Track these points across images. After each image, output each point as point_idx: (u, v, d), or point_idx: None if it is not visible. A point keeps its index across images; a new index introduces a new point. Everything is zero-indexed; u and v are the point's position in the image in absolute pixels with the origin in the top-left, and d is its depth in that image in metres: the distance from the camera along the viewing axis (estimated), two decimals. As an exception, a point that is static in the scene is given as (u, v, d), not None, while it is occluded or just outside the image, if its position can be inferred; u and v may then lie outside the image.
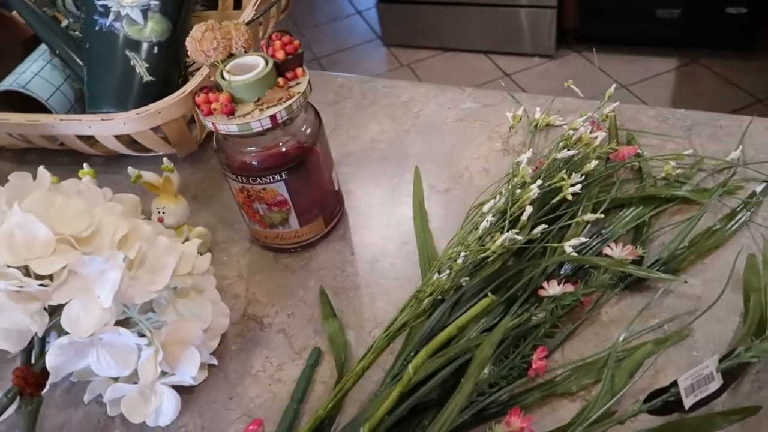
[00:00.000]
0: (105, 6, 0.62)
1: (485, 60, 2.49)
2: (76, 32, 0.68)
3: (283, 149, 0.50)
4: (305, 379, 0.46)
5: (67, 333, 0.39)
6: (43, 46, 0.72)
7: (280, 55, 0.48)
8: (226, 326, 0.48)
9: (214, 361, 0.48)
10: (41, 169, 0.44)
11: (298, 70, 0.49)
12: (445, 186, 0.60)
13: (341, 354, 0.47)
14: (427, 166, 0.62)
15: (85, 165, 0.55)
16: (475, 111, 0.69)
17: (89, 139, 0.66)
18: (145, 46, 0.63)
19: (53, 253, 0.38)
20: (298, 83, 0.49)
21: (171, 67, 0.65)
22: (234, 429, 0.45)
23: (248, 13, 0.71)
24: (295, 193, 0.51)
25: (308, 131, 0.51)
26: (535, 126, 0.64)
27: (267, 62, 0.48)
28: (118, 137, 0.64)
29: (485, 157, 0.63)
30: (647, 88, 2.13)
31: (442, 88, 0.73)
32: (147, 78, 0.63)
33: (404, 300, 0.50)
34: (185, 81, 0.69)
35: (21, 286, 0.36)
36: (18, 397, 0.41)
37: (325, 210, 0.56)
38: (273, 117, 0.46)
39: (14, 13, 0.80)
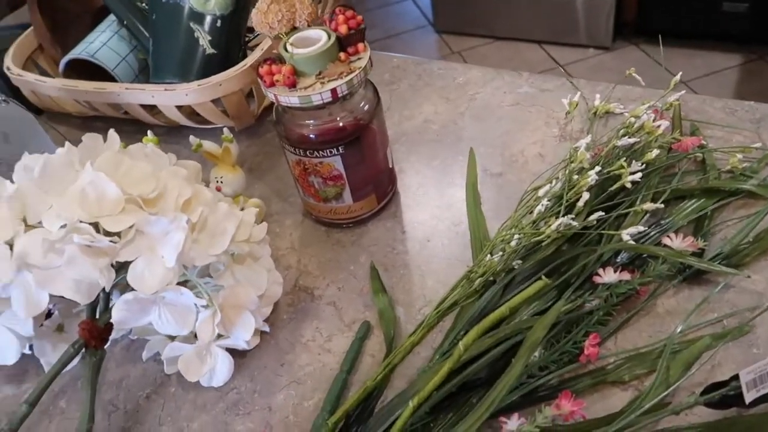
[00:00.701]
0: (172, -21, 0.63)
1: (538, 50, 2.44)
2: (143, 4, 0.70)
3: (341, 124, 0.50)
4: (354, 351, 0.47)
5: (131, 290, 0.41)
6: (110, 18, 0.75)
7: (343, 29, 0.48)
8: (279, 294, 0.49)
9: (266, 328, 0.49)
10: (111, 131, 0.46)
11: (360, 46, 0.49)
12: (499, 169, 0.60)
13: (390, 329, 0.48)
14: (481, 149, 0.62)
15: (149, 132, 0.56)
16: (532, 96, 0.67)
17: (152, 109, 0.68)
18: (208, 18, 0.64)
19: (122, 212, 0.40)
20: (359, 58, 0.49)
21: (232, 40, 0.66)
22: (283, 394, 0.46)
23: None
24: (350, 169, 0.52)
25: (366, 107, 0.51)
26: (594, 113, 0.62)
27: (329, 36, 0.48)
28: (179, 108, 0.65)
29: (541, 142, 0.62)
30: (709, 84, 2.05)
31: (498, 71, 0.72)
32: (209, 50, 0.64)
33: (454, 280, 0.51)
34: (244, 55, 0.70)
35: (92, 241, 0.37)
36: (83, 349, 0.43)
37: (379, 187, 0.56)
38: (333, 91, 0.47)
39: (84, -15, 0.83)
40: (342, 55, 0.49)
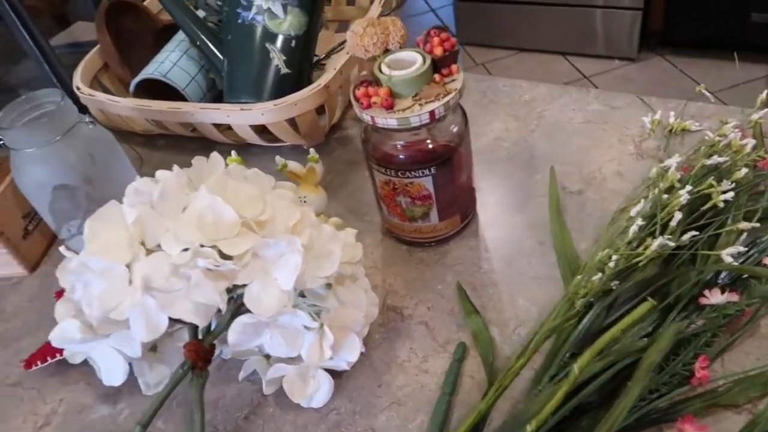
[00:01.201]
0: (248, 0, 0.64)
1: (562, 61, 2.45)
2: (214, 25, 0.71)
3: (431, 145, 0.50)
4: (454, 373, 0.46)
5: (243, 312, 0.41)
6: (177, 38, 0.76)
7: (438, 51, 0.49)
8: (376, 315, 0.49)
9: (363, 349, 0.49)
10: (215, 154, 0.46)
11: (453, 67, 0.50)
12: (578, 187, 0.60)
13: (487, 350, 0.48)
14: (557, 167, 0.62)
15: (233, 153, 0.57)
16: (603, 113, 0.68)
17: (221, 127, 0.69)
18: (283, 39, 0.65)
19: (237, 236, 0.40)
20: (453, 80, 0.49)
21: (304, 60, 0.67)
22: (385, 416, 0.46)
23: (375, 9, 0.72)
24: (440, 189, 0.52)
25: (455, 129, 0.52)
26: (670, 131, 0.62)
27: (424, 58, 0.49)
28: (252, 126, 0.66)
29: (618, 160, 0.62)
30: (737, 95, 2.05)
31: (565, 88, 0.72)
32: (284, 70, 0.65)
33: (545, 299, 0.51)
34: (310, 74, 0.71)
35: (216, 265, 0.38)
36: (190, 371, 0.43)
37: (463, 206, 0.56)
38: (431, 112, 0.47)
39: (146, 3, 0.84)
40: (436, 76, 0.49)
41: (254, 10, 0.64)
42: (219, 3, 0.72)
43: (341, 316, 0.44)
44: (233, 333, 0.41)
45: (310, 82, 0.69)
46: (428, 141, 0.50)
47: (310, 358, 0.43)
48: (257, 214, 0.42)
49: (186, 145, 0.77)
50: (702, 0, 2.10)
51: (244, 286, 0.41)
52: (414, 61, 0.49)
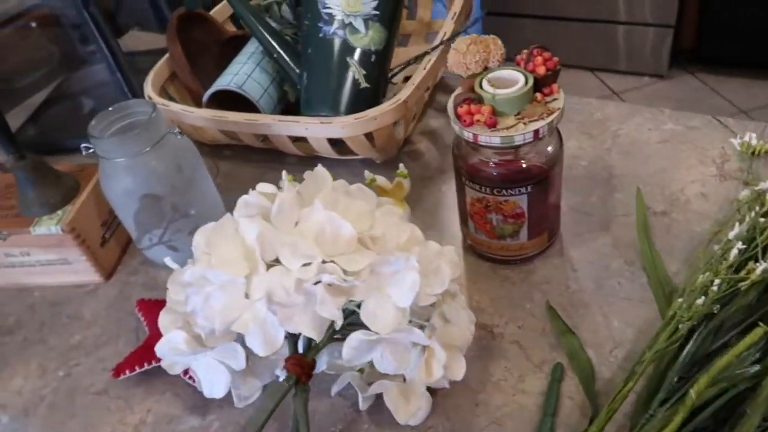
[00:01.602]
0: (330, 14, 0.65)
1: (591, 77, 2.45)
2: (287, 37, 0.71)
3: (525, 165, 0.50)
4: (554, 395, 0.46)
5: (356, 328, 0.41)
6: (248, 50, 0.76)
7: (541, 70, 0.49)
8: (473, 332, 0.49)
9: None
10: (321, 168, 0.46)
11: (554, 86, 0.50)
12: (662, 208, 0.60)
13: (586, 372, 0.47)
14: (638, 187, 0.62)
15: (283, 173, 0.57)
16: (680, 133, 0.67)
17: (296, 140, 0.69)
18: (363, 53, 0.65)
19: (355, 251, 0.40)
20: (555, 99, 0.49)
21: (381, 74, 0.67)
22: (486, 436, 0.45)
23: (449, 24, 0.72)
24: (533, 207, 0.52)
25: (551, 149, 0.51)
26: (753, 153, 0.62)
27: (526, 77, 0.49)
28: (327, 139, 0.66)
29: (701, 181, 0.61)
30: (770, 114, 2.04)
31: (637, 108, 0.72)
32: (363, 84, 0.65)
33: (641, 321, 0.50)
34: (385, 89, 0.71)
35: (342, 281, 0.38)
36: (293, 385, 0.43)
37: (551, 225, 0.56)
38: (536, 131, 0.47)
39: (213, 13, 0.85)
40: (538, 95, 0.49)
41: (336, 24, 0.64)
42: (295, 16, 0.72)
43: (448, 333, 0.44)
44: (348, 349, 0.40)
45: (383, 97, 0.69)
46: (522, 160, 0.50)
47: (417, 376, 0.43)
48: (367, 230, 0.42)
49: (251, 155, 0.78)
50: (735, 18, 2.09)
51: (350, 301, 0.41)
52: (515, 79, 0.49)
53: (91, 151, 0.58)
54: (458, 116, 0.49)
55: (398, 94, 0.64)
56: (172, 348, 0.44)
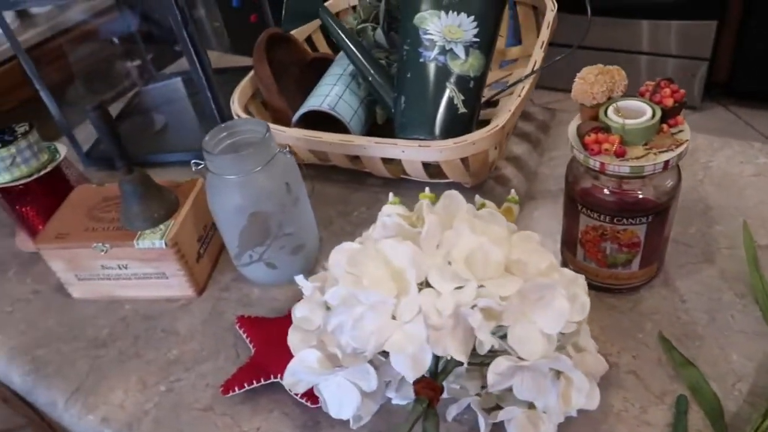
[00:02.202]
0: (431, 40, 0.66)
1: (624, 106, 2.45)
2: (382, 61, 0.72)
3: (641, 195, 0.51)
4: (682, 428, 0.46)
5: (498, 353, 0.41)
6: (334, 71, 0.77)
7: (669, 102, 0.49)
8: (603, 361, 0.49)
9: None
10: (455, 193, 0.47)
11: (679, 118, 0.50)
12: (766, 242, 0.59)
13: (713, 405, 0.47)
14: (739, 220, 0.62)
15: (390, 195, 0.57)
16: (774, 167, 0.68)
17: (387, 161, 0.70)
18: (462, 79, 0.66)
19: (501, 276, 0.40)
20: (681, 130, 0.49)
21: (477, 100, 0.68)
22: (617, 467, 0.45)
23: (538, 55, 0.73)
24: (649, 238, 0.52)
25: (670, 180, 0.52)
26: None
27: (653, 108, 0.49)
28: (422, 162, 0.67)
29: (802, 215, 0.61)
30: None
31: (726, 140, 0.72)
32: (461, 110, 0.66)
33: (761, 355, 0.50)
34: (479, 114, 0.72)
35: (498, 305, 0.38)
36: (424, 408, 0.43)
37: (660, 256, 0.56)
38: (666, 162, 0.47)
39: (293, 35, 0.86)
40: (664, 126, 0.49)
41: (436, 50, 0.65)
42: (388, 41, 0.74)
43: (584, 362, 0.44)
44: (493, 374, 0.40)
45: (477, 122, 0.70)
46: (640, 191, 0.51)
47: (550, 404, 0.42)
48: (507, 256, 0.42)
49: (332, 175, 0.78)
50: (771, 54, 2.11)
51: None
52: (641, 110, 0.49)
53: (201, 166, 0.58)
54: (585, 145, 0.49)
55: (495, 120, 0.65)
56: (306, 367, 0.44)
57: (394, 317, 0.40)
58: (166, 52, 1.19)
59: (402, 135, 0.67)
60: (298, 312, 0.47)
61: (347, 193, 0.76)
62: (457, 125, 0.66)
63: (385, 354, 0.42)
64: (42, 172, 0.71)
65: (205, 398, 0.55)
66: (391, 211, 0.46)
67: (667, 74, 2.27)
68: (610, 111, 0.50)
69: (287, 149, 0.58)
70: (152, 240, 0.60)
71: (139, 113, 0.99)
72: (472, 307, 0.38)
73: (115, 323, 0.64)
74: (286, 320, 0.58)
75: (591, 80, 0.50)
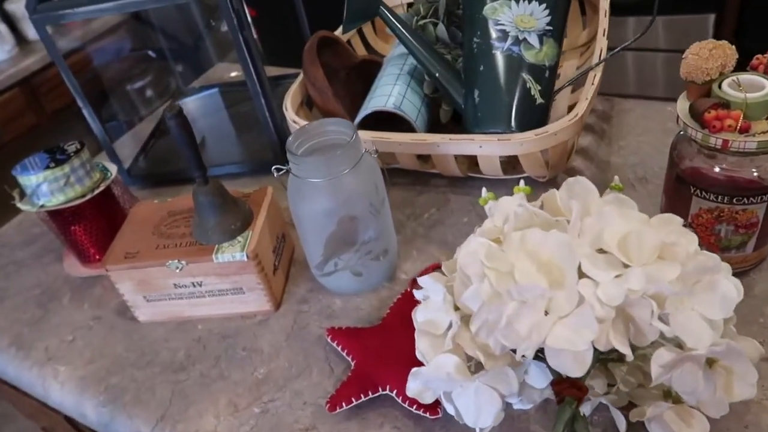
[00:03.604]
0: (503, 31, 0.63)
1: (663, 108, 2.45)
2: (447, 55, 0.70)
3: (756, 174, 0.48)
4: (838, 411, 0.43)
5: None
6: (392, 71, 0.75)
7: (785, 74, 0.47)
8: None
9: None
10: (581, 178, 0.44)
11: (794, 91, 0.48)
12: None
13: None
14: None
15: (521, 182, 0.55)
16: None
17: (459, 159, 0.68)
18: (538, 69, 0.64)
19: (656, 261, 0.38)
20: (798, 103, 0.48)
21: (552, 90, 0.66)
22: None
23: (602, 43, 0.71)
24: (767, 217, 0.50)
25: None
26: None
27: (771, 81, 0.47)
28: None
29: None
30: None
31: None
32: (539, 100, 0.64)
33: None
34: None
35: (675, 292, 0.35)
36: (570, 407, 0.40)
37: (771, 236, 0.54)
38: (792, 135, 0.45)
39: (342, 39, 0.84)
40: (782, 99, 0.47)
41: (510, 40, 0.63)
42: (450, 36, 0.71)
43: (745, 347, 0.41)
44: (656, 367, 0.37)
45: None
46: (755, 169, 0.48)
47: (704, 396, 0.40)
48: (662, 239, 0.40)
49: (394, 178, 0.75)
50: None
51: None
52: (759, 84, 0.47)
53: (283, 171, 0.55)
54: (704, 122, 0.47)
55: (574, 109, 0.62)
56: (443, 374, 0.41)
57: (546, 312, 0.37)
58: (189, 67, 1.16)
59: (477, 130, 0.65)
60: (420, 316, 0.44)
61: (412, 195, 0.73)
62: (534, 116, 0.64)
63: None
64: (95, 192, 0.68)
65: (306, 417, 0.52)
66: (519, 201, 0.43)
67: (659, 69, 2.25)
68: (725, 86, 0.48)
69: (374, 150, 0.56)
70: (232, 253, 0.57)
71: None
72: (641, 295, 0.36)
73: (191, 345, 0.61)
74: (382, 329, 0.55)
75: (705, 55, 0.48)
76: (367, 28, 0.94)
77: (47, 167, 0.64)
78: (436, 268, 0.62)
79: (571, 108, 0.76)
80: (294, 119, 0.73)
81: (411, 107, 0.70)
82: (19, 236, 0.82)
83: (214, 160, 0.86)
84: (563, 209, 0.42)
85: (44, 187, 0.65)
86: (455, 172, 0.69)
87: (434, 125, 0.75)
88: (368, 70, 0.85)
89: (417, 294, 0.46)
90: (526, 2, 0.63)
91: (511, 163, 0.69)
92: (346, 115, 0.74)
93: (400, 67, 0.75)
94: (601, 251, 0.39)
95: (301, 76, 0.80)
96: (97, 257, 0.72)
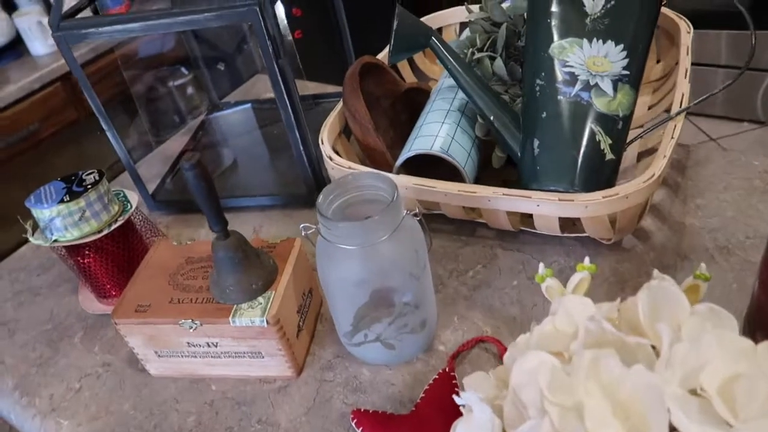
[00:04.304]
0: (571, 74, 0.55)
1: (685, 123, 2.32)
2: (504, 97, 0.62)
3: None
4: None
5: None
6: (440, 106, 0.67)
7: None
8: None
9: None
10: (667, 284, 0.36)
11: None
12: None
13: None
14: None
15: (586, 260, 0.47)
16: None
17: (512, 213, 0.60)
18: (610, 120, 0.55)
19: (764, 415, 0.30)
20: None
21: (623, 143, 0.57)
22: None
23: (683, 87, 0.62)
24: None
25: None
26: None
27: None
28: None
29: None
30: None
31: None
32: (609, 156, 0.55)
33: None
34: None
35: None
36: None
37: None
38: None
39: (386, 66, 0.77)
40: None
41: (579, 85, 0.55)
42: (509, 73, 0.63)
43: None
44: None
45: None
46: None
47: None
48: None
49: (435, 223, 0.68)
50: None
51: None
52: None
53: (311, 231, 0.49)
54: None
55: (650, 168, 0.54)
56: None
57: (622, 468, 0.30)
58: (225, 77, 1.11)
59: (535, 185, 0.57)
60: (461, 433, 0.37)
61: (456, 247, 0.66)
62: (602, 174, 0.56)
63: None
64: (112, 227, 0.63)
65: None
66: (589, 308, 0.36)
67: (754, 90, 2.11)
68: None
69: (418, 212, 0.49)
70: (251, 317, 0.50)
71: (206, 148, 0.91)
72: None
73: (203, 409, 0.55)
74: (415, 418, 0.48)
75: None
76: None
77: (61, 200, 0.59)
78: (479, 342, 0.55)
79: (641, 155, 0.68)
80: (330, 155, 0.66)
81: (460, 151, 0.62)
82: (37, 260, 0.78)
83: (245, 188, 0.81)
84: (645, 328, 0.34)
85: (58, 221, 0.60)
86: (506, 226, 0.61)
87: (483, 167, 0.67)
88: (414, 99, 0.78)
89: (458, 400, 0.39)
90: (600, 42, 0.55)
91: (570, 220, 0.60)
92: (387, 152, 0.67)
93: (450, 101, 0.67)
94: (693, 392, 0.31)
95: (340, 105, 0.73)
96: (113, 293, 0.67)
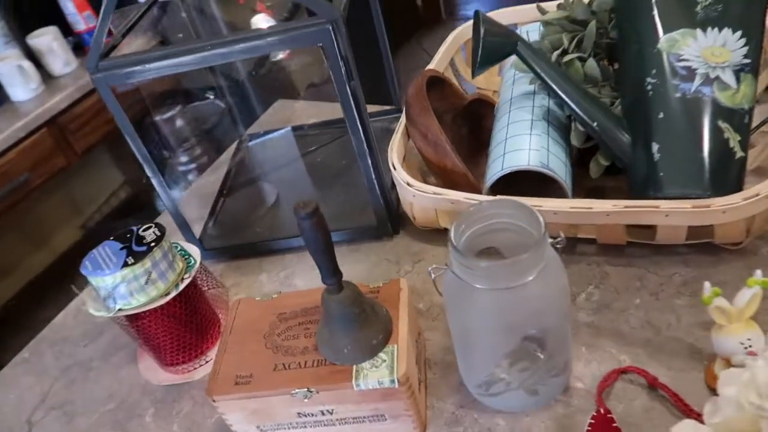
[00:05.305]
0: (688, 68, 0.50)
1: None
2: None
3: None
4: None
5: None
6: (522, 116, 0.62)
7: None
8: None
9: None
10: None
11: None
12: None
13: None
14: None
15: (706, 286, 0.41)
16: None
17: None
18: (737, 114, 0.50)
19: None
20: None
21: (748, 140, 0.52)
22: None
23: None
24: None
25: None
26: None
27: None
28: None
29: None
30: None
31: None
32: (739, 154, 0.50)
33: None
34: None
35: None
36: None
37: None
38: None
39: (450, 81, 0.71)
40: None
41: (698, 80, 0.50)
42: (604, 72, 0.58)
43: None
44: None
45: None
46: None
47: None
48: None
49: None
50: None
51: None
52: None
53: (441, 273, 0.43)
54: None
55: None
56: None
57: None
58: (244, 106, 1.03)
59: (658, 194, 0.52)
60: None
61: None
62: (733, 174, 0.51)
63: None
64: (180, 287, 0.55)
65: None
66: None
67: None
68: None
69: (562, 239, 0.43)
70: (379, 378, 0.44)
71: (244, 184, 0.83)
72: None
73: (319, 487, 0.48)
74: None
75: None
76: (457, 56, 0.81)
77: (125, 264, 0.52)
78: (622, 373, 0.49)
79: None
80: (407, 180, 0.60)
81: (558, 164, 0.57)
82: (80, 327, 0.70)
83: (292, 227, 0.73)
84: None
85: (122, 287, 0.52)
86: (618, 240, 0.56)
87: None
88: (476, 111, 0.72)
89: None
90: (716, 30, 0.50)
91: (694, 227, 0.55)
92: (469, 173, 0.61)
93: (530, 110, 0.62)
94: None
95: (402, 124, 0.67)
96: (181, 359, 0.60)
